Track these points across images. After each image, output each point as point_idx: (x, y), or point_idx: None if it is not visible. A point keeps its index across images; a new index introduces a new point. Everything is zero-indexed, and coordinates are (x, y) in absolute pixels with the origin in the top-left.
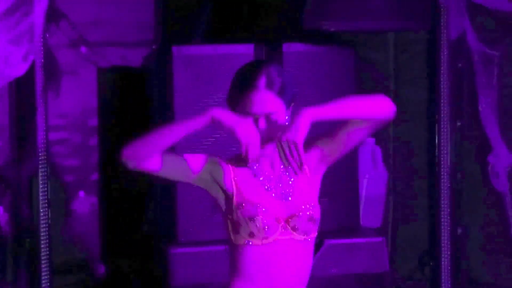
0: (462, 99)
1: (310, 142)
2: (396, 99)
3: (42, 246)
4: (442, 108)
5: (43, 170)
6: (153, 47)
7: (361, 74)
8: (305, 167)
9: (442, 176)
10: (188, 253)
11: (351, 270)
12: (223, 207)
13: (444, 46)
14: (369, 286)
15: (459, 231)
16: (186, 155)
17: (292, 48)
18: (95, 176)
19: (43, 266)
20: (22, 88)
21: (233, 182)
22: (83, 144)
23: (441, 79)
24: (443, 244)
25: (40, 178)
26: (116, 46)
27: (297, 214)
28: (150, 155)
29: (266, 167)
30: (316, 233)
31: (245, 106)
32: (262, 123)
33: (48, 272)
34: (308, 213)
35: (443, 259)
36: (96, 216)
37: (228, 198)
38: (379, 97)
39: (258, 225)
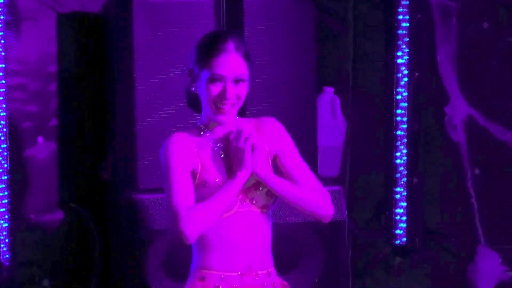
0: (421, 51)
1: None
2: (355, 49)
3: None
4: (400, 58)
5: (2, 115)
6: None
7: (321, 25)
8: (266, 144)
9: (398, 126)
10: (148, 199)
11: (309, 218)
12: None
13: None
14: (326, 234)
15: (415, 180)
16: (186, 186)
17: None
18: (54, 122)
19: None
20: None
21: (198, 159)
22: (42, 89)
23: (400, 30)
24: (399, 194)
25: None
26: None
27: (255, 188)
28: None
29: (224, 140)
30: (273, 207)
31: (214, 69)
32: (231, 88)
33: (8, 219)
34: (266, 188)
35: (399, 208)
36: (55, 162)
37: (194, 174)
38: (322, 198)
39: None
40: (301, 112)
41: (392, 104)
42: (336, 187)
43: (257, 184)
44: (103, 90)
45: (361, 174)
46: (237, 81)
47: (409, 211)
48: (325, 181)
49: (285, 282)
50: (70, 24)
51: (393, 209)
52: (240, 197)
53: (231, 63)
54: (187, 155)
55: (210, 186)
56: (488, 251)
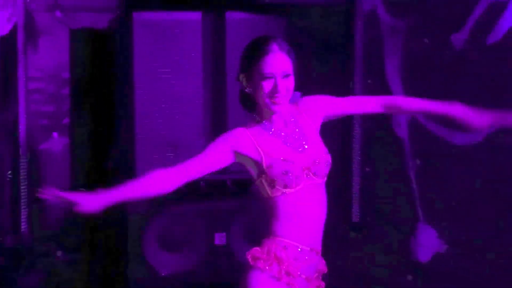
0: (372, 62)
1: (315, 96)
2: (318, 59)
3: (21, 179)
4: (356, 68)
5: (23, 114)
6: (117, 12)
7: (292, 40)
8: (309, 120)
9: (354, 125)
10: None
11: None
12: (255, 171)
13: (358, 17)
14: None
15: (367, 169)
16: (198, 163)
17: (234, 16)
18: (66, 120)
19: (22, 199)
20: (6, 45)
21: (258, 149)
22: (57, 93)
23: (356, 44)
24: (354, 180)
25: (19, 121)
26: (86, 11)
27: (317, 161)
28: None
29: (280, 125)
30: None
31: (263, 69)
32: (280, 82)
33: (26, 202)
34: (325, 159)
35: (354, 193)
36: (68, 154)
37: (258, 163)
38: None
39: (291, 177)
40: None
41: None
42: None
43: (316, 156)
44: (109, 94)
45: None
46: (285, 76)
47: (362, 195)
48: None
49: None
50: (81, 38)
51: (350, 193)
52: (305, 172)
53: (278, 61)
54: (236, 149)
55: (276, 166)
56: (426, 227)
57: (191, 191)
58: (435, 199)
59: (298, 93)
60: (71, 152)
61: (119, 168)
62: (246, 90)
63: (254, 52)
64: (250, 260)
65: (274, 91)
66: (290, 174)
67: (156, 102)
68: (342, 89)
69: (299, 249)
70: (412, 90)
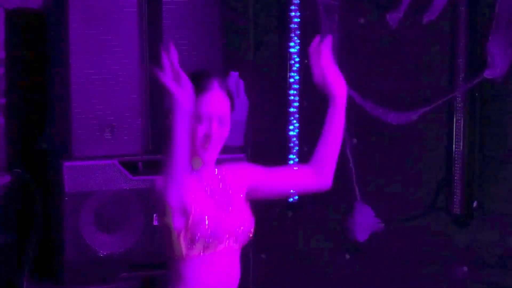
0: (309, 42)
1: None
2: (256, 40)
3: None
4: (292, 48)
5: None
6: None
7: (227, 20)
8: (234, 182)
9: (292, 105)
10: (80, 166)
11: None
12: (175, 225)
13: None
14: None
15: (305, 149)
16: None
17: None
18: (2, 101)
19: None
20: None
21: (192, 200)
22: None
23: (292, 24)
24: (292, 160)
25: None
26: None
27: (241, 227)
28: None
29: (208, 178)
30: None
31: (201, 107)
32: (215, 125)
33: None
34: (249, 227)
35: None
36: (2, 134)
37: (185, 215)
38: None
39: (215, 238)
40: None
41: (286, 85)
42: (241, 155)
43: (241, 222)
44: (44, 74)
45: (261, 144)
46: (221, 120)
47: None
48: (231, 150)
49: None
50: (16, 18)
51: None
52: (226, 235)
53: (216, 100)
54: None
55: (203, 224)
56: (364, 206)
57: (131, 171)
58: (370, 178)
59: (235, 74)
60: (6, 133)
61: (54, 149)
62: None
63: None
64: None
65: (207, 136)
66: (214, 236)
67: (92, 83)
68: (280, 66)
69: None
70: (347, 68)
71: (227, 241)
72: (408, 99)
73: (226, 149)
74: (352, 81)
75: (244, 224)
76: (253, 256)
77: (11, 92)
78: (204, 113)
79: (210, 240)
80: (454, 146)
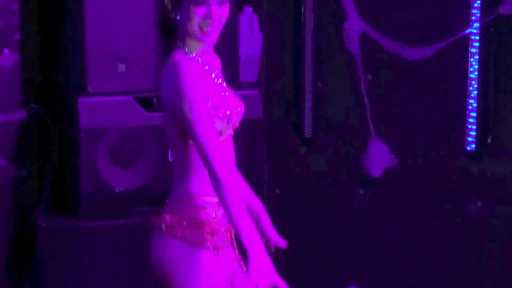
0: None
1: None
2: None
3: None
4: None
5: None
6: None
7: None
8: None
9: (306, 40)
10: (96, 102)
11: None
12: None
13: None
14: (246, 127)
15: (319, 85)
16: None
17: None
18: (17, 36)
19: None
20: None
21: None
22: (5, 8)
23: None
24: (306, 95)
25: None
26: None
27: (239, 110)
28: None
29: (208, 61)
30: None
31: None
32: (215, 11)
33: None
34: (242, 109)
35: (306, 107)
36: (18, 68)
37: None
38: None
39: (229, 121)
40: (224, 27)
41: (300, 22)
42: (255, 91)
43: (237, 104)
44: (59, 9)
45: (275, 80)
46: (220, 2)
47: (314, 109)
48: (246, 86)
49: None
50: None
51: (302, 108)
52: (232, 122)
53: None
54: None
55: (219, 109)
56: (378, 142)
57: (146, 107)
58: (386, 114)
59: (249, 9)
60: (22, 68)
61: (69, 84)
62: (171, 16)
63: None
64: (164, 229)
65: (207, 18)
66: (228, 119)
67: (107, 18)
68: (292, 8)
69: (218, 206)
70: (362, 3)
71: (234, 124)
72: (424, 35)
73: (240, 85)
74: (367, 17)
75: (240, 106)
76: (267, 191)
77: (26, 28)
78: None
79: (225, 126)
80: (468, 82)
